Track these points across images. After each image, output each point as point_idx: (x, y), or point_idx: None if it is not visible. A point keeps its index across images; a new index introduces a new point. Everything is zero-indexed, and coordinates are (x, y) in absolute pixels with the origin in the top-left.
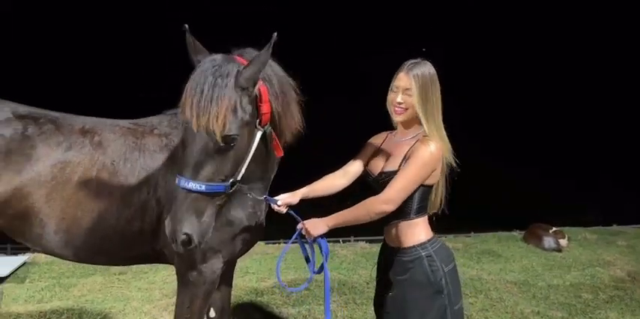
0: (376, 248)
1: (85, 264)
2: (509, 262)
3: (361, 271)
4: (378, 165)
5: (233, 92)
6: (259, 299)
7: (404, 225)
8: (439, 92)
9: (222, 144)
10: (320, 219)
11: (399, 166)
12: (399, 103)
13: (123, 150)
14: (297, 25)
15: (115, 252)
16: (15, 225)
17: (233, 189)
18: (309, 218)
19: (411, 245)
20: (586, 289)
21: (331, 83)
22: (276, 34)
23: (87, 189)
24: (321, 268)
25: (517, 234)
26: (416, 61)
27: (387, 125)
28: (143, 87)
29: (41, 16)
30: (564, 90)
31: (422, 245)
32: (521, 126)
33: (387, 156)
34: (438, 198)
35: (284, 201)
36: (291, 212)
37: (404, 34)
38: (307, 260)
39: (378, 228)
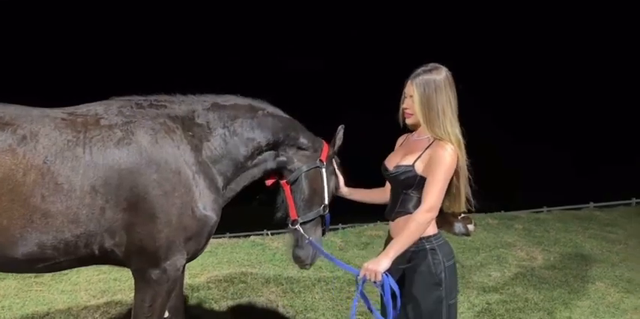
0: None
1: None
2: None
3: None
4: (394, 161)
5: None
6: (196, 294)
7: None
8: (448, 97)
9: None
10: (377, 257)
11: (414, 162)
12: (405, 108)
13: (59, 147)
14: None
15: (55, 258)
16: None
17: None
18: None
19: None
20: (494, 268)
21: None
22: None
23: (12, 194)
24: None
25: None
26: (426, 67)
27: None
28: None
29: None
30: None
31: (427, 238)
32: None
33: (404, 153)
34: (462, 197)
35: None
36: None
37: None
38: (371, 309)
39: None
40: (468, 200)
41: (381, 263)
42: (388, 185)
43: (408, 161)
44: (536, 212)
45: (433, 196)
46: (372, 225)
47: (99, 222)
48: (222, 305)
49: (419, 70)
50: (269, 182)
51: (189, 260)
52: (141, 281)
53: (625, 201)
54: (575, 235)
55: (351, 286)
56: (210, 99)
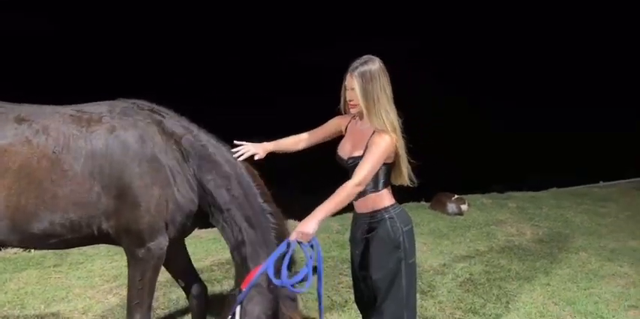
0: None
1: (16, 260)
2: (419, 226)
3: None
4: (346, 150)
5: None
6: (200, 276)
7: (373, 196)
8: (382, 85)
9: None
10: (306, 219)
11: (364, 153)
12: (350, 101)
13: (66, 139)
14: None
15: (64, 235)
16: None
17: None
18: None
19: (377, 209)
20: (483, 243)
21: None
22: None
23: (28, 178)
24: (314, 269)
25: (425, 203)
26: (361, 60)
27: None
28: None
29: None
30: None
31: (385, 209)
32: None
33: (353, 141)
34: (404, 172)
35: (248, 149)
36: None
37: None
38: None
39: None
40: (409, 176)
41: (311, 226)
42: (305, 134)
43: (358, 152)
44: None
45: (364, 172)
46: None
47: (97, 206)
48: (224, 283)
49: (355, 63)
50: None
51: (174, 240)
52: (131, 258)
53: (635, 179)
54: (568, 211)
55: (344, 264)
56: (209, 141)
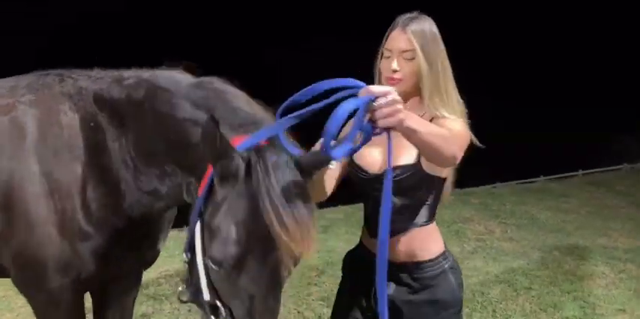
0: None
1: None
2: None
3: None
4: (377, 160)
5: None
6: (145, 291)
7: (418, 232)
8: (445, 54)
9: None
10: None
11: (419, 158)
12: (394, 71)
13: None
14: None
15: None
16: None
17: None
18: None
19: (433, 257)
20: (453, 243)
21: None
22: None
23: None
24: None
25: None
26: (411, 15)
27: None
28: None
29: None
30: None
31: (442, 255)
32: None
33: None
34: (449, 186)
35: None
36: None
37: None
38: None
39: None
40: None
41: (398, 116)
42: (326, 177)
43: (409, 158)
44: (492, 187)
45: (458, 146)
46: (331, 207)
47: None
48: (174, 300)
49: (404, 19)
50: None
51: (90, 281)
52: (31, 306)
53: (573, 173)
54: (531, 207)
55: (312, 271)
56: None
